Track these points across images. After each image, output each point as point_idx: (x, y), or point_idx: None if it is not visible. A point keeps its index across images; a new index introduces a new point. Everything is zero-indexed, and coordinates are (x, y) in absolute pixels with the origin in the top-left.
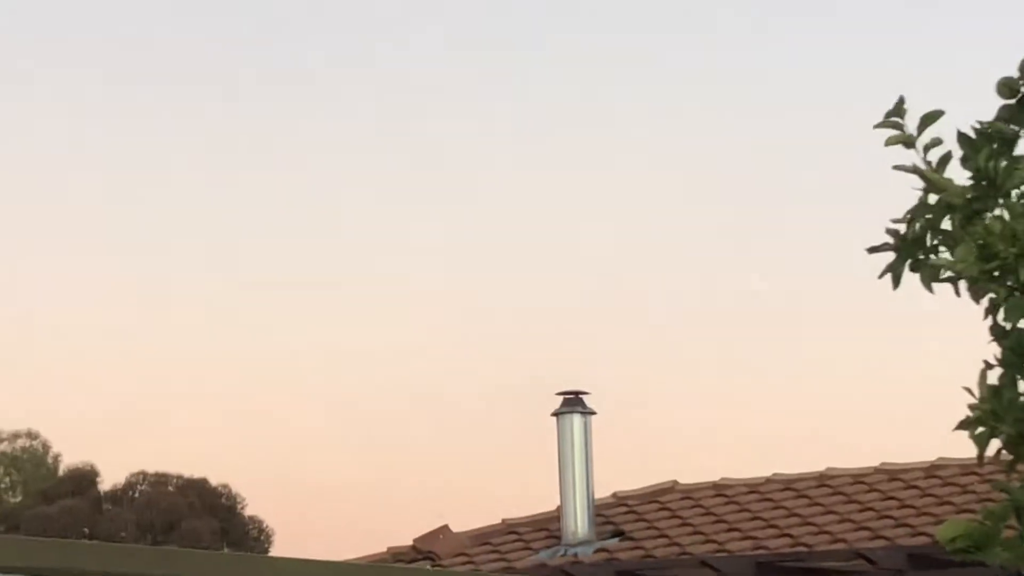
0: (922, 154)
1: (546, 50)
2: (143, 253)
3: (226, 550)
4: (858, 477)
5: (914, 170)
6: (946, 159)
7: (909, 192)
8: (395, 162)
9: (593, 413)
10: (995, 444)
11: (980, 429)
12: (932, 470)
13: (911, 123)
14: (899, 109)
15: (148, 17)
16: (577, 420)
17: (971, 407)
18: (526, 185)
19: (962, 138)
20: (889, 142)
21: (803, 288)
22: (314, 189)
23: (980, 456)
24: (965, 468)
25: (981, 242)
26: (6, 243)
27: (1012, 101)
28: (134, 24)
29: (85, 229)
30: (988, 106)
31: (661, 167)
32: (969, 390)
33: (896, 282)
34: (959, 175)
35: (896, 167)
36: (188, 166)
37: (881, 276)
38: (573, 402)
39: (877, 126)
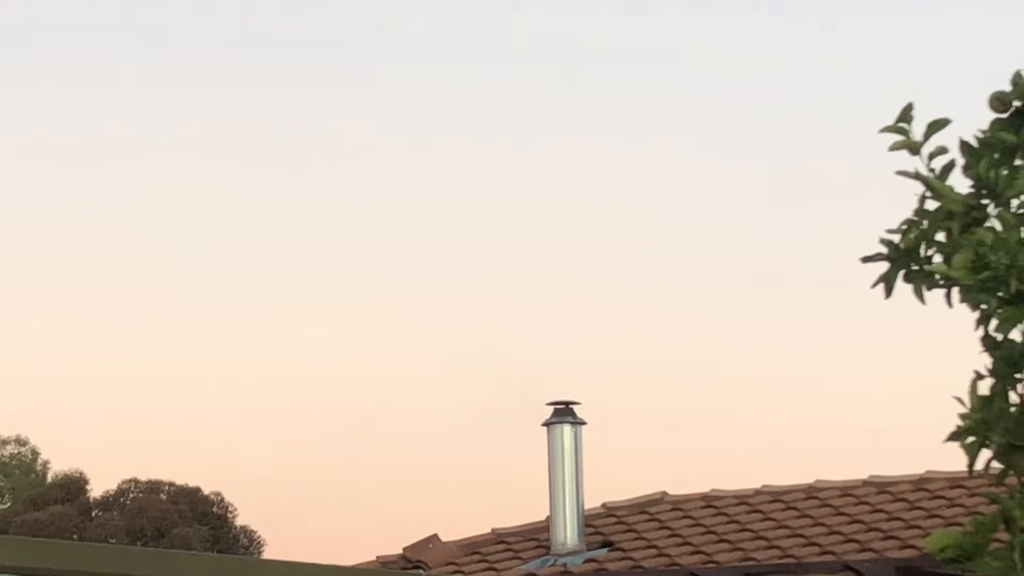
0: (926, 161)
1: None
2: (131, 259)
3: None
4: (846, 490)
5: (917, 176)
6: (949, 167)
7: (898, 201)
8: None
9: (583, 423)
10: (985, 455)
11: (971, 439)
12: (920, 483)
13: (917, 130)
14: (906, 115)
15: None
16: (567, 430)
17: (962, 417)
18: (523, 193)
19: (964, 146)
20: (894, 147)
21: (790, 299)
22: (324, 196)
23: (970, 466)
24: (953, 481)
25: (975, 252)
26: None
27: (1004, 115)
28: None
29: (80, 232)
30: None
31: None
32: (960, 400)
33: (888, 292)
34: (961, 184)
35: (899, 172)
36: (184, 164)
37: (874, 286)
38: (563, 412)
39: (883, 130)
